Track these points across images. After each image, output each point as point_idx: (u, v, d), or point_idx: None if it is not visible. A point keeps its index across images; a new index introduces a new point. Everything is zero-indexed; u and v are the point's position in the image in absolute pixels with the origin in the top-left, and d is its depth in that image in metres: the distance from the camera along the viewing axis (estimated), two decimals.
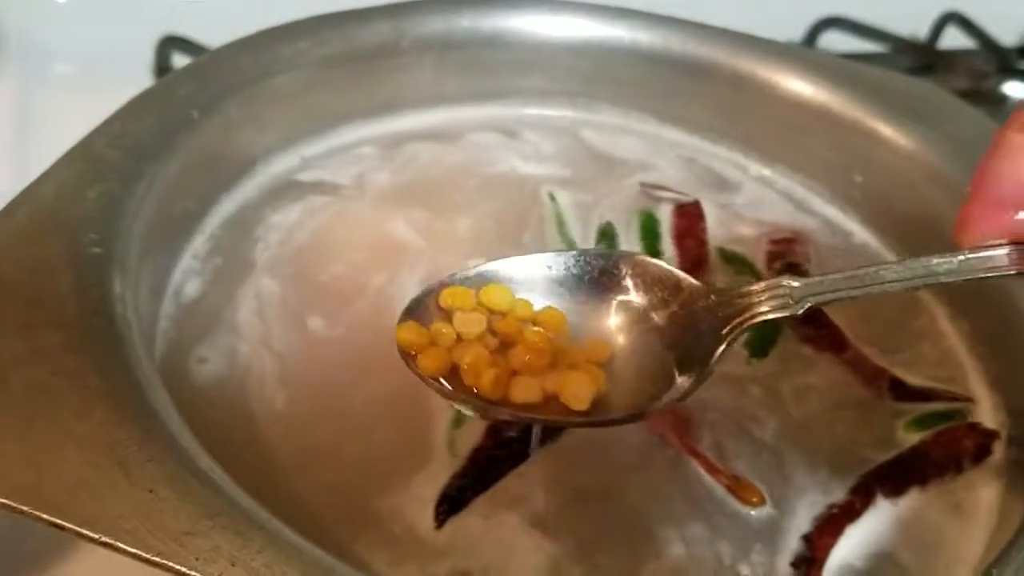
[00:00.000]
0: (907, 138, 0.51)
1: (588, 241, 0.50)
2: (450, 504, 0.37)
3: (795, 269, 0.49)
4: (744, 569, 0.37)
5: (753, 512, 0.39)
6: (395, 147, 0.54)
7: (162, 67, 0.76)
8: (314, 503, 0.36)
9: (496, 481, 0.38)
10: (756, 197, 0.55)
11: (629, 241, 0.51)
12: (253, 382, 0.40)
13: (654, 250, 0.50)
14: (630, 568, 0.36)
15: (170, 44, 0.76)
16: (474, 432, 0.39)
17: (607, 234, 0.51)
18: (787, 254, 0.50)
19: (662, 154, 0.57)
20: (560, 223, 0.51)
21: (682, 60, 0.56)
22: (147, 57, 0.80)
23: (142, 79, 0.80)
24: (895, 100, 0.53)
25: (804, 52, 0.58)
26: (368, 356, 0.41)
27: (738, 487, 0.40)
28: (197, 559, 0.26)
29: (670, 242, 0.51)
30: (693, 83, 0.57)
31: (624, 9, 0.57)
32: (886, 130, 0.52)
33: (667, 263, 0.38)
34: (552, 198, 0.53)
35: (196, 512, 0.27)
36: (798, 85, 0.54)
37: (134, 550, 0.26)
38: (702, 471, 0.40)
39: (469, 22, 0.54)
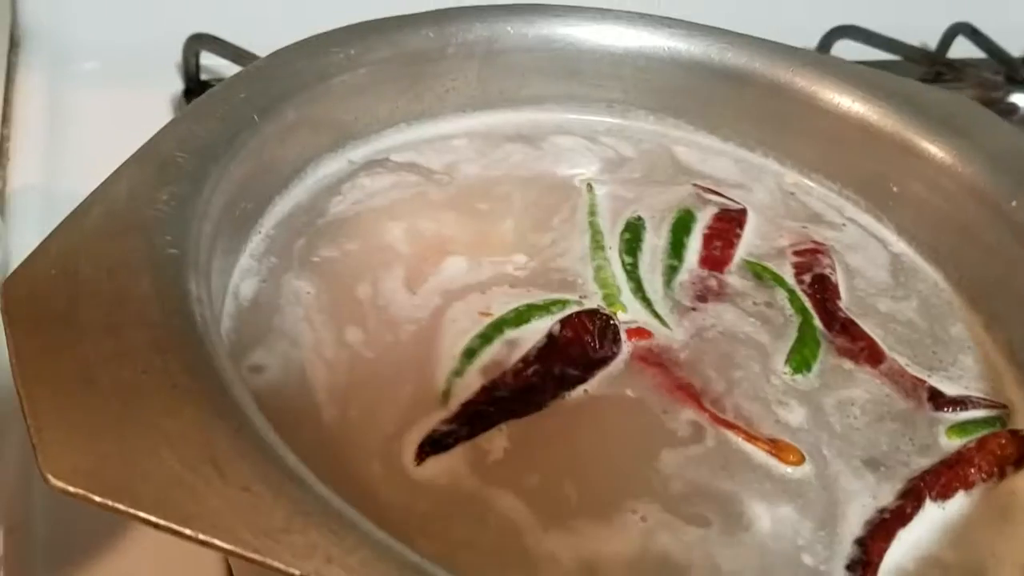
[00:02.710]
0: (943, 150, 0.52)
1: (615, 230, 0.51)
2: (433, 445, 0.39)
3: (823, 281, 0.50)
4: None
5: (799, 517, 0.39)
6: (437, 152, 0.55)
7: (189, 64, 0.77)
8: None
9: (484, 431, 0.40)
10: (791, 206, 0.56)
11: (657, 234, 0.52)
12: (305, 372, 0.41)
13: (679, 243, 0.51)
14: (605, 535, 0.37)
15: (197, 42, 0.77)
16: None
17: (632, 226, 0.52)
18: (814, 265, 0.51)
19: (710, 161, 0.58)
20: (592, 213, 0.52)
21: (721, 69, 0.57)
22: (172, 54, 0.81)
23: (167, 76, 0.81)
24: (932, 113, 0.54)
25: (841, 63, 0.59)
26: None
27: (777, 449, 0.41)
28: (293, 556, 0.27)
29: (699, 239, 0.52)
30: (730, 91, 0.57)
31: (665, 18, 0.58)
32: (922, 142, 0.53)
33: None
34: (590, 188, 0.53)
35: (291, 510, 0.28)
36: (836, 96, 0.55)
37: (231, 547, 0.27)
38: (740, 440, 0.41)
39: (514, 29, 0.54)
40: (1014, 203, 0.48)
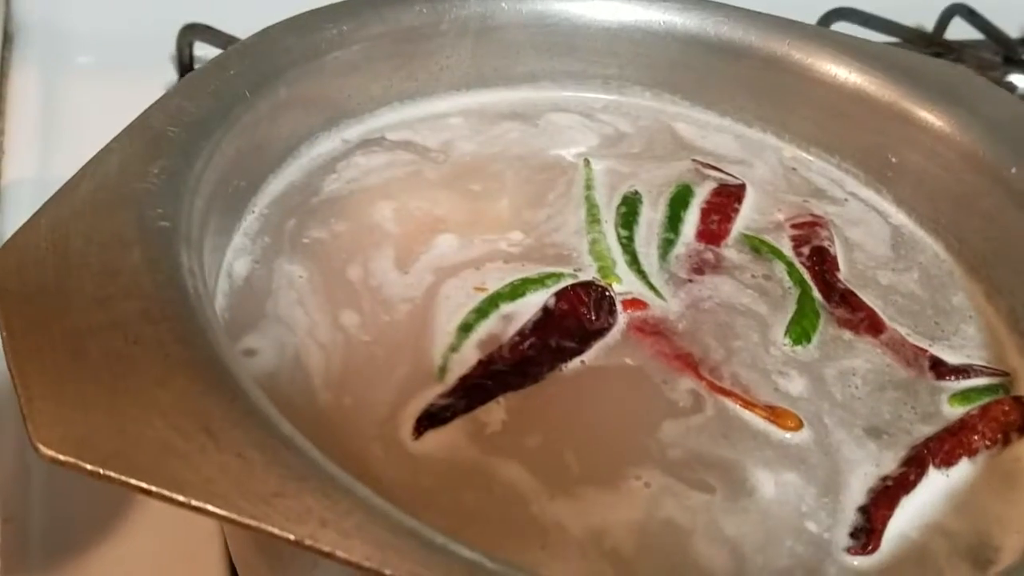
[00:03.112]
0: (941, 120, 0.52)
1: (611, 204, 0.51)
2: (431, 419, 0.38)
3: (822, 253, 0.50)
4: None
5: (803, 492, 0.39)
6: (432, 131, 0.54)
7: (183, 55, 0.76)
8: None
9: (482, 404, 0.39)
10: (793, 181, 0.56)
11: (655, 208, 0.51)
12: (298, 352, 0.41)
13: (676, 217, 0.51)
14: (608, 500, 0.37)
15: (191, 32, 0.76)
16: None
17: (629, 200, 0.51)
18: (812, 238, 0.51)
19: (710, 137, 0.58)
20: (589, 187, 0.52)
21: (716, 42, 0.56)
22: (167, 46, 0.80)
23: (161, 67, 0.80)
24: (929, 83, 0.53)
25: (838, 35, 0.59)
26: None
27: (775, 415, 0.41)
28: (288, 520, 0.26)
29: (696, 213, 0.51)
30: (727, 65, 0.57)
31: None
32: (920, 112, 0.52)
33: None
34: (587, 163, 0.53)
35: (285, 475, 0.28)
36: (833, 68, 0.55)
37: (225, 512, 0.27)
38: (739, 408, 0.41)
39: (508, 4, 0.54)
40: (1013, 170, 0.48)
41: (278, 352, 0.40)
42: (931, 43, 0.97)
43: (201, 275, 0.36)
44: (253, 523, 0.27)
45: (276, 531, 0.26)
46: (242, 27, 0.74)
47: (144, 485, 0.27)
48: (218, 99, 0.42)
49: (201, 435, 0.28)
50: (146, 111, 0.40)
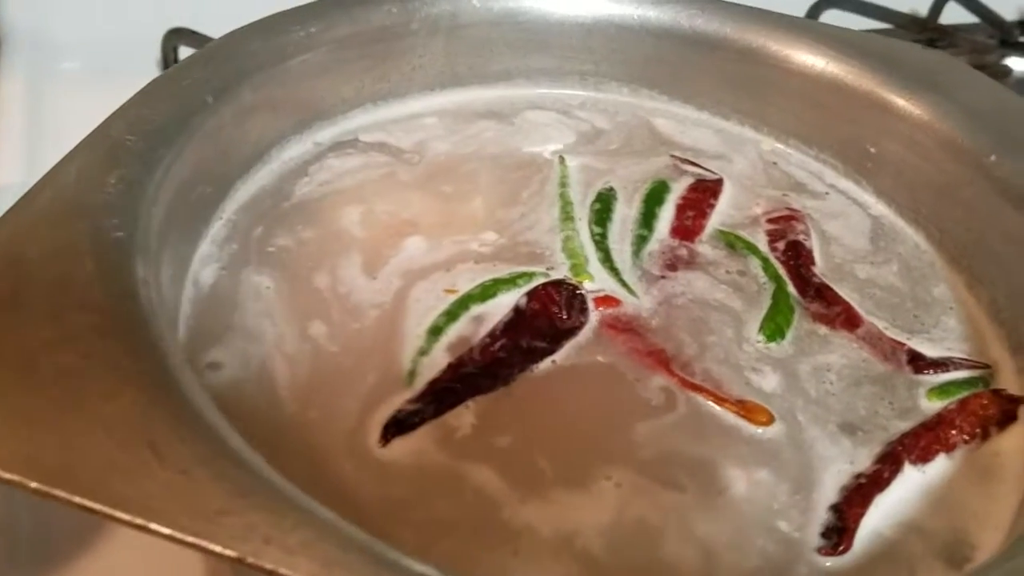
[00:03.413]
0: (920, 108, 0.51)
1: (586, 202, 0.51)
2: (398, 426, 0.38)
3: (797, 247, 0.49)
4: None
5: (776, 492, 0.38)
6: (406, 132, 0.54)
7: (168, 59, 0.76)
8: None
9: (451, 409, 0.39)
10: (773, 175, 0.55)
11: (630, 205, 0.51)
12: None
13: (650, 213, 0.50)
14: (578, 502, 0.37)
15: (175, 36, 0.76)
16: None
17: (603, 197, 0.51)
18: (787, 232, 0.50)
19: (689, 132, 0.57)
20: (563, 184, 0.51)
21: (692, 35, 0.56)
22: (153, 52, 0.80)
23: (148, 73, 0.80)
24: (907, 70, 0.53)
25: (814, 25, 0.58)
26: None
27: (746, 410, 0.41)
28: (231, 538, 0.26)
29: (672, 210, 0.51)
30: (703, 58, 0.56)
31: None
32: (899, 100, 0.51)
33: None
34: (562, 160, 0.53)
35: (229, 491, 0.27)
36: (809, 58, 0.54)
37: (168, 531, 0.26)
38: (709, 402, 0.41)
39: (479, 2, 0.54)
40: (993, 158, 0.47)
41: (243, 365, 0.39)
42: (925, 28, 0.96)
43: (157, 286, 0.35)
44: (195, 541, 0.26)
45: (218, 549, 0.26)
46: (227, 31, 0.74)
47: (87, 503, 0.27)
48: (180, 106, 0.42)
49: (146, 451, 0.28)
50: (106, 120, 0.40)
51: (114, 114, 0.40)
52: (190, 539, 0.26)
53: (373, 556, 0.27)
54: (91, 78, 0.81)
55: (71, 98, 0.78)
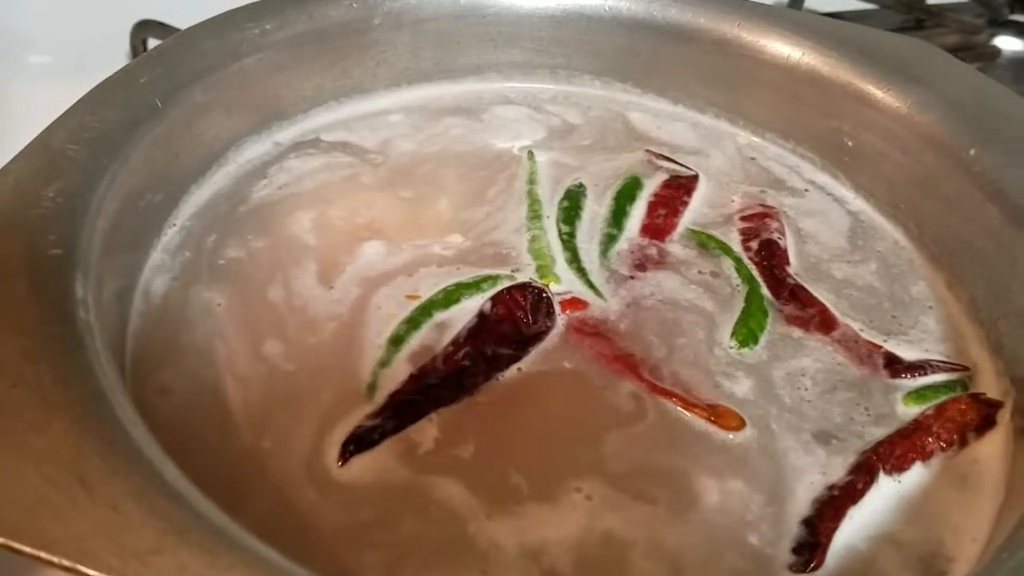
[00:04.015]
0: (899, 100, 0.49)
1: (554, 199, 0.49)
2: (357, 443, 0.37)
3: (771, 246, 0.48)
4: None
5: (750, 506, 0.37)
6: (371, 130, 0.52)
7: (137, 52, 0.74)
8: None
9: (413, 422, 0.38)
10: (751, 171, 0.53)
11: (600, 203, 0.49)
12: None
13: (620, 211, 0.49)
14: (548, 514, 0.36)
15: (144, 28, 0.74)
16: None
17: (572, 194, 0.50)
18: (761, 231, 0.49)
19: (666, 127, 0.56)
20: (531, 181, 0.50)
21: (664, 26, 0.54)
22: (122, 45, 0.78)
23: (117, 66, 0.78)
24: (886, 60, 0.51)
25: (790, 14, 0.56)
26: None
27: (716, 415, 0.39)
28: None
29: (643, 207, 0.49)
30: (676, 50, 0.55)
31: None
32: (877, 92, 0.50)
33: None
34: (531, 156, 0.51)
35: (162, 529, 0.26)
36: (784, 48, 0.52)
37: (95, 573, 0.25)
38: (679, 408, 0.40)
39: None
40: (973, 151, 0.46)
41: (194, 390, 0.38)
42: (912, 8, 0.94)
43: (98, 303, 0.34)
44: None
45: None
46: (195, 22, 0.73)
47: (13, 544, 0.26)
48: (125, 111, 0.41)
49: (75, 486, 0.27)
50: (46, 130, 0.39)
51: (54, 123, 0.39)
52: None
53: None
54: (60, 72, 0.79)
55: (39, 92, 0.76)
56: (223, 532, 0.27)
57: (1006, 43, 0.92)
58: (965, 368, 0.43)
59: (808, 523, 0.36)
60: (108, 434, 0.28)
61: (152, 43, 0.75)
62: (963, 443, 0.40)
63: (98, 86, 0.42)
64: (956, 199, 0.47)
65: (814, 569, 0.35)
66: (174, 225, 0.44)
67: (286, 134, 0.50)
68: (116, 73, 0.42)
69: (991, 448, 0.40)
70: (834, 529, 0.36)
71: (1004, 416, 0.41)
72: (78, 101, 0.41)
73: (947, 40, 0.86)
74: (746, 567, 0.35)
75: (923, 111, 0.48)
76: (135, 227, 0.40)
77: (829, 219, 0.51)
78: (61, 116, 0.39)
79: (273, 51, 0.48)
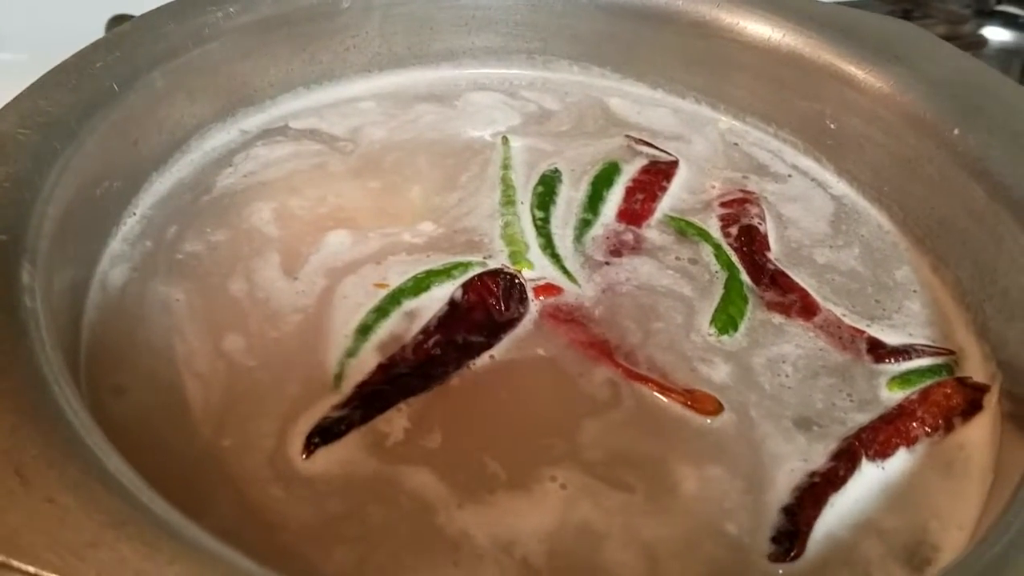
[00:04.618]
0: (881, 80, 0.48)
1: (528, 185, 0.48)
2: (323, 435, 0.35)
3: (751, 232, 0.46)
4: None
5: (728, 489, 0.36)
6: (341, 117, 0.51)
7: None
8: None
9: (381, 413, 0.36)
10: (733, 157, 0.52)
11: (576, 188, 0.48)
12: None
13: (597, 196, 0.48)
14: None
15: (119, 23, 0.73)
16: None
17: (547, 179, 0.48)
18: (741, 216, 0.47)
19: (646, 112, 0.55)
20: (505, 166, 0.49)
21: (642, 8, 0.53)
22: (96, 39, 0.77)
23: None
24: (867, 40, 0.50)
25: None
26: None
27: (693, 400, 0.38)
28: (99, 574, 0.24)
29: (621, 192, 0.48)
30: (655, 33, 0.54)
31: None
32: (859, 73, 0.49)
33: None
34: (505, 141, 0.50)
35: (100, 521, 0.25)
36: (764, 29, 0.51)
37: (29, 568, 0.24)
38: (655, 393, 0.38)
39: None
40: (956, 131, 0.45)
41: (150, 389, 0.36)
42: None
43: (47, 292, 0.33)
44: None
45: None
46: None
47: None
48: (80, 95, 0.39)
49: (11, 478, 0.26)
50: None
51: (5, 107, 0.38)
52: None
53: None
54: (34, 69, 0.78)
55: (14, 89, 0.75)
56: (165, 524, 0.25)
57: (993, 33, 0.92)
58: (950, 352, 0.42)
59: (788, 511, 0.35)
60: (47, 424, 0.27)
61: None
62: (949, 428, 0.39)
63: (52, 70, 0.40)
64: (940, 180, 0.46)
65: (794, 558, 0.34)
66: (134, 214, 0.43)
67: (253, 121, 0.49)
68: (71, 57, 0.41)
69: (978, 433, 0.39)
70: (815, 517, 0.35)
71: (991, 400, 0.40)
72: (31, 85, 0.39)
73: (934, 30, 0.85)
74: (724, 556, 0.34)
75: (906, 91, 0.47)
76: (91, 215, 0.39)
77: (812, 204, 0.49)
78: (13, 100, 0.38)
79: (238, 35, 0.46)
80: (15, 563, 0.24)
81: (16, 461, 0.26)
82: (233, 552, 0.25)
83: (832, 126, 0.50)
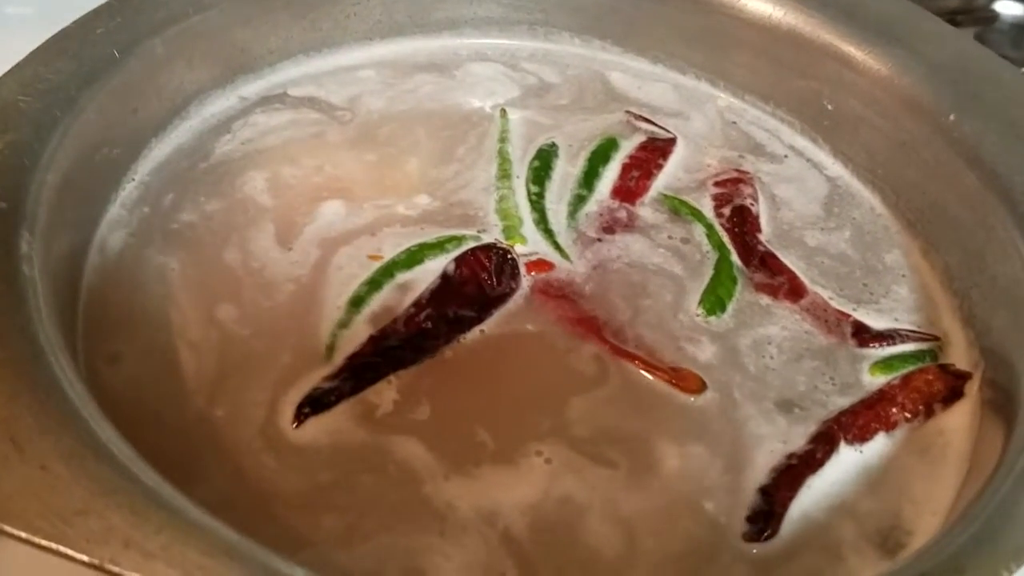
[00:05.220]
0: (880, 62, 0.48)
1: (525, 158, 0.48)
2: (313, 405, 0.36)
3: (743, 212, 0.47)
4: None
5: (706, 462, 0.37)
6: (340, 85, 0.51)
7: None
8: None
9: (372, 384, 0.37)
10: (731, 135, 0.52)
11: (573, 163, 0.48)
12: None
13: (593, 172, 0.48)
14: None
15: None
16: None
17: (543, 154, 0.48)
18: (734, 196, 0.48)
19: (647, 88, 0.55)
20: (503, 140, 0.49)
21: None
22: None
23: None
24: (868, 21, 0.50)
25: None
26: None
27: (678, 378, 0.39)
28: (88, 541, 0.25)
29: (617, 169, 0.48)
30: (656, 7, 0.53)
31: None
32: (858, 54, 0.49)
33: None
34: (503, 114, 0.50)
35: (91, 490, 0.26)
36: (765, 7, 0.51)
37: (20, 533, 0.25)
38: (641, 371, 0.39)
39: None
40: (952, 117, 0.45)
41: (146, 357, 0.37)
42: None
43: (45, 260, 0.33)
44: (50, 545, 0.25)
45: (73, 553, 0.24)
46: None
47: None
48: (81, 63, 0.40)
49: (6, 445, 0.26)
50: None
51: (6, 74, 0.38)
52: (45, 543, 0.25)
53: (241, 559, 0.25)
54: (39, 24, 0.78)
55: (20, 44, 0.75)
56: (154, 493, 0.26)
57: (1005, 7, 0.91)
58: (935, 338, 0.43)
59: (765, 492, 0.36)
60: (42, 393, 0.28)
61: None
62: (929, 414, 0.40)
63: (53, 36, 0.41)
64: (934, 165, 0.46)
65: (768, 538, 0.35)
66: (133, 180, 0.43)
67: (252, 88, 0.49)
68: (72, 24, 0.41)
69: (958, 420, 0.40)
70: (791, 498, 0.36)
71: (972, 388, 0.41)
72: (31, 52, 0.40)
73: (947, 4, 0.85)
74: (701, 534, 0.35)
75: (904, 74, 0.47)
76: (91, 181, 0.40)
77: (806, 185, 0.50)
78: (13, 67, 0.38)
79: (237, 2, 0.46)
80: (7, 528, 0.25)
81: (12, 429, 0.27)
82: (218, 523, 0.26)
83: (829, 107, 0.50)
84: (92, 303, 0.38)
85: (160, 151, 0.45)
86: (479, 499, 0.35)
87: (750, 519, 0.35)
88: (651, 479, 0.36)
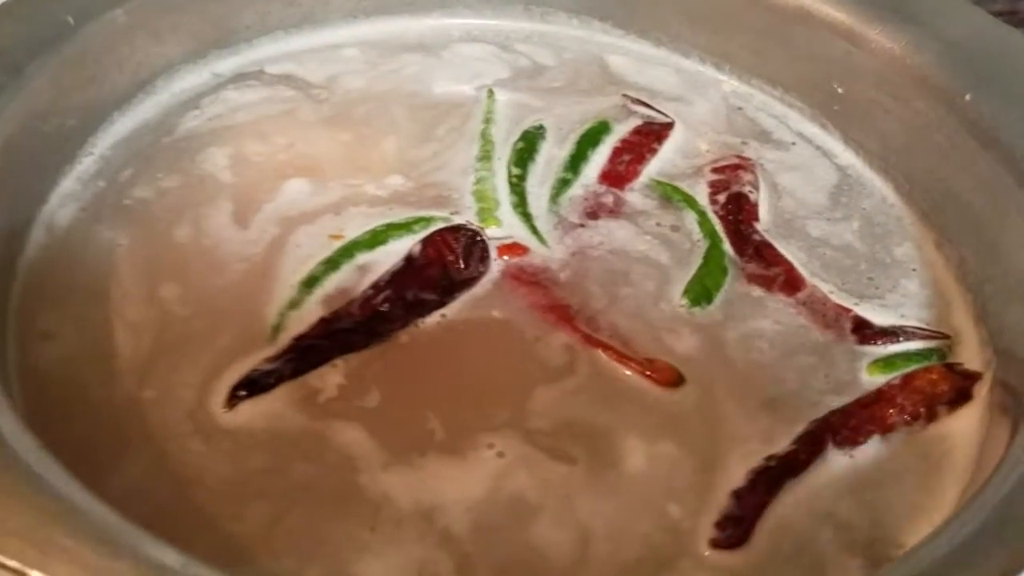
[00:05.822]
0: (892, 40, 0.45)
1: (509, 140, 0.45)
2: (249, 387, 0.34)
3: (740, 200, 0.43)
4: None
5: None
6: (320, 64, 0.49)
7: None
8: None
9: (315, 368, 0.35)
10: (736, 121, 0.49)
11: (561, 146, 0.46)
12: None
13: (580, 155, 0.45)
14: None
15: None
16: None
17: (529, 136, 0.46)
18: (732, 183, 0.44)
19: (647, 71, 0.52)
20: (487, 121, 0.46)
21: None
22: None
23: None
24: None
25: None
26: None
27: (653, 369, 0.36)
28: None
29: (607, 153, 0.46)
30: None
31: None
32: (869, 32, 0.45)
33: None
34: (490, 94, 0.48)
35: None
36: None
37: None
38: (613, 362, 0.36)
39: None
40: (968, 97, 0.41)
41: (79, 335, 0.35)
42: None
43: None
44: None
45: None
46: None
47: None
48: (31, 28, 0.38)
49: None
50: None
51: None
52: None
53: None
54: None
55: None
56: (48, 489, 0.24)
57: None
58: (945, 336, 0.39)
59: (738, 495, 0.33)
60: None
61: None
62: (931, 417, 0.36)
63: (5, 2, 0.39)
64: (949, 149, 0.42)
65: (735, 545, 0.31)
66: (92, 153, 0.42)
67: (226, 64, 0.47)
68: None
69: (963, 424, 0.36)
70: (765, 504, 0.33)
71: (981, 390, 0.37)
72: None
73: (991, 6, 0.80)
74: (660, 540, 0.32)
75: (916, 52, 0.44)
76: (38, 152, 0.38)
77: (814, 173, 0.46)
78: None
79: None
80: None
81: None
82: (120, 518, 0.24)
83: (840, 90, 0.47)
84: (32, 278, 0.36)
85: (123, 125, 0.43)
86: (419, 492, 0.32)
87: (719, 524, 0.32)
88: (612, 478, 0.33)
